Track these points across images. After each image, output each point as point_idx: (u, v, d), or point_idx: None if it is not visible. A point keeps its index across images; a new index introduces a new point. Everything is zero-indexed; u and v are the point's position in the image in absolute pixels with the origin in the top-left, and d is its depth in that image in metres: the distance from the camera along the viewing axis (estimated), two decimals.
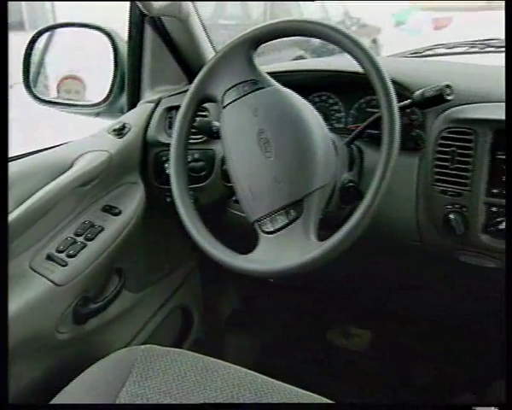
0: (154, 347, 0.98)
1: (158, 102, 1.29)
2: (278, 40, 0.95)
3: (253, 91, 0.92)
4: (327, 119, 1.15)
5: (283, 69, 1.20)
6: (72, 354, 1.10)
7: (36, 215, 1.01)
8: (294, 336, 1.71)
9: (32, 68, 1.34)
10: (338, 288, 1.55)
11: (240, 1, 6.00)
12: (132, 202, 1.20)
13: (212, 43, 1.31)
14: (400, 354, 1.63)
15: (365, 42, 0.94)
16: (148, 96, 1.31)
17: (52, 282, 1.01)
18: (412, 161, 1.04)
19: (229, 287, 1.66)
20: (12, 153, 0.97)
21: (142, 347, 0.98)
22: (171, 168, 0.99)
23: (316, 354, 1.67)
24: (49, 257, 1.04)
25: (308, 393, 0.90)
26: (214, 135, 1.07)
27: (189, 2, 1.22)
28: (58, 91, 1.41)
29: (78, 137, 1.22)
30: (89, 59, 1.44)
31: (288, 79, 1.02)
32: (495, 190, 0.96)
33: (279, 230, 0.89)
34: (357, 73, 0.94)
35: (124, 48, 1.29)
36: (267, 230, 0.89)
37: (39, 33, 1.33)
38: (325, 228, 0.88)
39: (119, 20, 1.28)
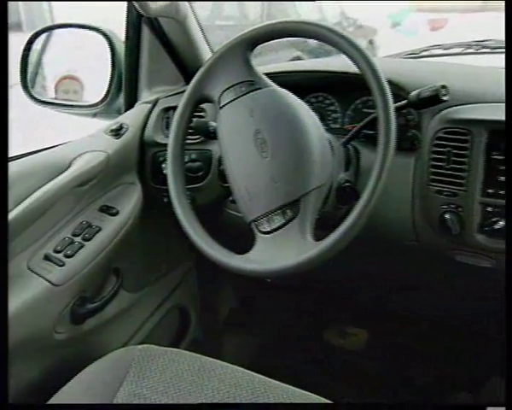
0: (151, 347, 0.98)
1: (155, 103, 1.29)
2: (275, 41, 0.95)
3: (249, 92, 0.93)
4: (323, 119, 1.16)
5: (280, 70, 1.20)
6: (69, 353, 1.10)
7: (34, 215, 1.01)
8: (292, 336, 1.72)
9: (30, 69, 1.34)
10: (335, 288, 1.55)
11: (237, 1, 5.99)
12: (130, 202, 1.20)
13: (209, 43, 1.32)
14: (399, 353, 1.63)
15: (362, 43, 0.95)
16: (146, 96, 1.31)
17: (49, 282, 1.02)
18: (408, 162, 1.05)
19: (227, 287, 1.67)
20: (12, 153, 0.98)
21: (140, 347, 0.98)
22: (169, 168, 0.99)
23: (313, 353, 1.67)
24: (47, 257, 1.05)
25: (306, 393, 0.90)
26: (211, 135, 1.08)
27: (186, 3, 1.22)
28: (56, 91, 1.41)
29: (78, 138, 1.23)
30: (88, 59, 1.44)
31: (284, 79, 1.03)
32: (490, 190, 0.97)
33: (276, 230, 0.89)
34: (353, 74, 0.94)
35: (121, 48, 1.29)
36: (264, 230, 0.90)
37: (36, 34, 1.33)
38: (322, 228, 0.89)
39: (118, 20, 1.28)
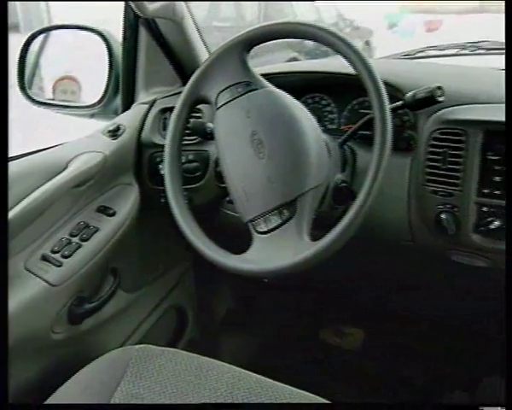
0: (148, 346, 0.98)
1: (152, 104, 1.29)
2: (272, 42, 0.96)
3: (246, 93, 0.93)
4: (320, 120, 1.16)
5: (277, 71, 1.20)
6: (67, 353, 1.10)
7: (31, 216, 1.02)
8: (289, 336, 1.72)
9: (27, 70, 1.34)
10: (333, 288, 1.55)
11: (233, 1, 6.00)
12: (127, 202, 1.20)
13: (206, 44, 1.32)
14: (399, 353, 1.63)
15: (358, 44, 0.96)
16: (143, 97, 1.32)
17: (47, 282, 1.02)
18: (404, 162, 1.05)
19: (224, 287, 1.67)
20: (12, 153, 0.98)
21: (137, 346, 0.98)
22: (166, 169, 0.99)
23: (311, 353, 1.67)
24: (44, 258, 1.05)
25: (303, 392, 0.90)
26: (208, 136, 1.08)
27: (183, 4, 1.22)
28: (54, 92, 1.41)
29: (77, 138, 1.23)
30: (88, 59, 1.45)
31: (281, 80, 1.03)
32: (486, 190, 0.97)
33: (273, 230, 0.89)
34: (349, 75, 0.95)
35: (118, 49, 1.29)
36: (261, 230, 0.90)
37: (34, 35, 1.33)
38: (318, 228, 0.89)
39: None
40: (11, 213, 0.97)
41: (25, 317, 0.98)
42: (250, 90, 0.94)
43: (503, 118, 0.96)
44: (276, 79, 1.01)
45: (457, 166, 0.98)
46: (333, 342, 1.70)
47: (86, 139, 1.22)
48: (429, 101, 0.94)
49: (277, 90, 0.95)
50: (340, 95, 1.18)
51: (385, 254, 1.20)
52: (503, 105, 1.00)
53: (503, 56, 1.31)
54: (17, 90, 1.33)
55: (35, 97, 1.36)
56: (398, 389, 1.54)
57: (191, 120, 1.05)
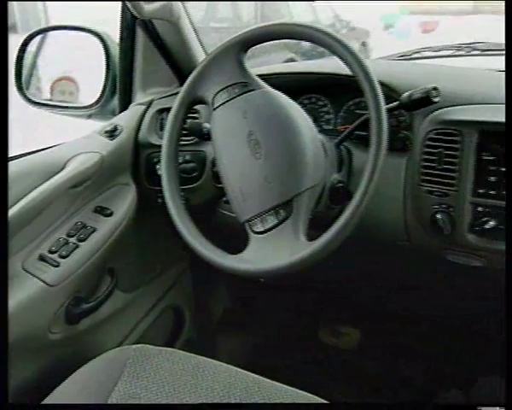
0: (145, 346, 0.98)
1: (149, 104, 1.29)
2: (269, 43, 0.96)
3: (242, 93, 0.94)
4: (316, 120, 1.16)
5: (273, 71, 1.21)
6: (64, 353, 1.11)
7: (28, 216, 1.02)
8: (286, 336, 1.72)
9: (25, 71, 1.34)
10: (330, 287, 1.56)
11: (230, 1, 6.00)
12: (124, 203, 1.20)
13: (203, 45, 1.32)
14: (398, 353, 1.63)
15: (355, 45, 0.96)
16: (140, 98, 1.32)
17: (44, 282, 1.02)
18: (400, 162, 1.06)
19: (221, 287, 1.67)
20: (12, 153, 0.98)
21: (134, 346, 0.98)
22: (163, 169, 0.99)
23: (308, 353, 1.67)
24: (42, 258, 1.05)
25: (301, 392, 0.90)
26: (205, 136, 1.08)
27: (180, 5, 1.22)
28: (52, 93, 1.42)
29: (75, 138, 1.23)
30: (85, 60, 1.45)
31: (277, 81, 1.04)
32: (481, 191, 0.98)
33: (269, 230, 0.89)
34: (346, 76, 0.95)
35: (116, 50, 1.30)
36: (257, 230, 0.90)
37: (31, 36, 1.33)
38: (315, 228, 0.89)
39: (113, 21, 1.28)
40: (9, 213, 0.97)
41: (22, 317, 0.98)
42: (247, 91, 0.94)
43: (498, 118, 0.97)
44: (272, 79, 1.02)
45: (453, 167, 0.98)
46: (329, 341, 1.71)
47: (83, 140, 1.22)
48: (425, 101, 0.95)
49: (274, 90, 0.95)
50: (336, 95, 1.18)
51: (381, 254, 1.20)
52: (498, 106, 1.01)
53: (498, 57, 1.33)
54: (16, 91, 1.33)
55: (32, 98, 1.36)
56: (398, 389, 1.54)
57: (188, 120, 1.06)
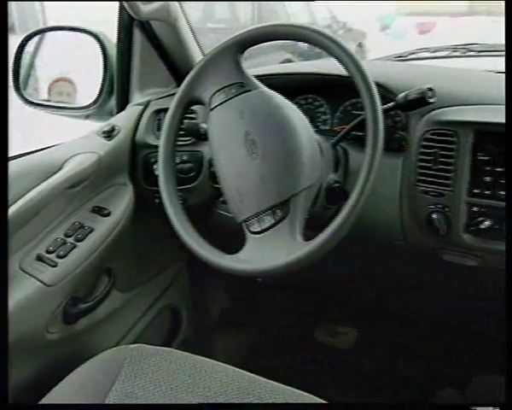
0: (143, 346, 0.98)
1: (147, 105, 1.29)
2: (266, 43, 0.96)
3: (239, 94, 0.94)
4: (313, 121, 1.16)
5: (270, 72, 1.21)
6: (61, 353, 1.11)
7: (26, 216, 1.02)
8: (283, 335, 1.72)
9: (22, 71, 1.34)
10: (327, 287, 1.56)
11: (227, 1, 6.00)
12: (121, 203, 1.20)
13: (200, 46, 1.32)
14: (397, 353, 1.63)
15: (351, 46, 0.97)
16: (137, 98, 1.32)
17: (42, 282, 1.02)
18: (396, 162, 1.06)
19: (218, 286, 1.67)
20: (12, 153, 0.98)
21: (132, 346, 0.98)
22: (160, 170, 1.00)
23: (305, 352, 1.67)
24: (39, 258, 1.05)
25: (298, 391, 0.90)
26: (202, 137, 1.09)
27: (178, 6, 1.22)
28: (49, 93, 1.42)
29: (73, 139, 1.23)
30: (83, 60, 1.45)
31: (274, 81, 1.04)
32: (476, 191, 0.98)
33: (266, 230, 0.90)
34: (342, 77, 0.96)
35: (113, 51, 1.30)
36: (254, 230, 0.91)
37: (29, 37, 1.33)
38: (311, 228, 0.90)
39: (111, 21, 1.29)
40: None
41: (20, 317, 0.98)
42: (244, 92, 0.94)
43: (493, 119, 0.97)
44: (269, 80, 1.02)
45: (448, 167, 0.99)
46: (326, 341, 1.71)
47: (81, 140, 1.23)
48: (421, 102, 0.95)
49: (270, 91, 0.96)
50: (332, 96, 1.18)
51: (378, 253, 1.20)
52: (494, 106, 1.02)
53: (494, 59, 1.33)
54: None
55: (30, 98, 1.36)
56: (398, 389, 1.54)
57: (185, 120, 1.06)
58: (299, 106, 1.05)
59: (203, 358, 0.97)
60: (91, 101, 1.33)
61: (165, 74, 1.33)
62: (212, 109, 0.96)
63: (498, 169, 0.97)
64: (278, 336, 1.73)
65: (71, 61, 1.55)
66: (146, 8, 1.14)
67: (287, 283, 1.54)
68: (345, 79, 0.91)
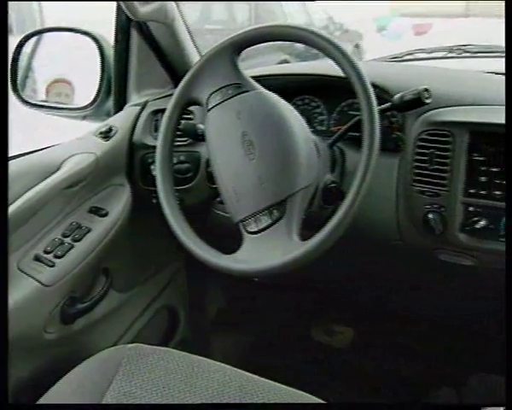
0: (140, 345, 0.98)
1: (144, 106, 1.30)
2: (263, 44, 0.97)
3: (236, 95, 0.94)
4: (310, 121, 1.17)
5: (267, 73, 1.22)
6: (59, 353, 1.11)
7: (24, 216, 1.02)
8: (281, 335, 1.72)
9: (20, 72, 1.34)
10: (324, 287, 1.56)
11: (225, 1, 6.00)
12: (119, 203, 1.21)
13: (197, 47, 1.32)
14: (396, 353, 1.63)
15: (348, 47, 0.97)
16: (135, 99, 1.32)
17: (40, 282, 1.02)
18: (392, 162, 1.07)
19: (215, 286, 1.67)
20: (12, 153, 0.98)
21: (129, 346, 0.98)
22: (157, 170, 1.00)
23: (302, 351, 1.68)
24: (37, 258, 1.05)
25: (295, 391, 0.90)
26: (199, 137, 1.09)
27: (175, 8, 1.23)
28: (47, 95, 1.42)
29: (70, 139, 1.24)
30: (82, 61, 1.45)
31: (271, 82, 1.04)
32: (472, 191, 0.99)
33: (263, 230, 0.90)
34: (339, 77, 0.96)
35: (110, 52, 1.30)
36: (251, 230, 0.91)
37: (26, 38, 1.33)
38: (308, 228, 0.90)
39: (108, 22, 1.29)
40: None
41: (18, 317, 0.98)
42: (241, 92, 0.95)
43: (488, 119, 0.98)
44: (266, 81, 1.03)
45: (444, 167, 0.99)
46: (323, 340, 1.71)
47: (78, 141, 1.23)
48: (417, 102, 0.96)
49: (267, 91, 0.96)
50: (329, 97, 1.19)
51: (376, 253, 1.21)
52: (489, 107, 1.02)
53: (489, 59, 1.34)
54: None
55: (28, 99, 1.36)
56: (398, 389, 1.54)
57: (182, 121, 1.06)
58: (296, 107, 1.05)
59: (200, 357, 0.97)
60: (89, 101, 1.33)
61: (162, 75, 1.33)
62: (209, 110, 0.96)
63: (494, 169, 0.97)
64: (275, 335, 1.73)
65: (69, 62, 1.55)
66: (143, 9, 1.14)
67: (284, 282, 1.54)
68: (341, 80, 0.92)
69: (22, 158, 1.10)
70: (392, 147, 1.08)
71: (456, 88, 1.11)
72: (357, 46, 6.95)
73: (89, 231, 1.12)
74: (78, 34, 1.32)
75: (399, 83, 1.08)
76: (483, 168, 0.98)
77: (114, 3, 1.23)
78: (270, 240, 0.89)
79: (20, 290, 1.00)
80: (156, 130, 1.26)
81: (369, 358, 1.64)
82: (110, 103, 1.34)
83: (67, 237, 1.10)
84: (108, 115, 1.34)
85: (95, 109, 1.33)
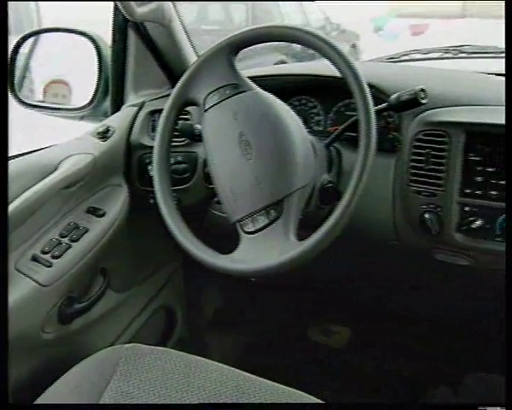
0: (138, 345, 0.98)
1: (141, 106, 1.30)
2: (260, 45, 0.97)
3: (233, 95, 0.95)
4: (306, 122, 1.17)
5: (264, 73, 1.22)
6: (57, 353, 1.11)
7: (22, 217, 1.02)
8: (278, 335, 1.72)
9: (17, 73, 1.34)
10: (321, 287, 1.56)
11: (221, 1, 6.00)
12: (116, 203, 1.21)
13: (194, 47, 1.32)
14: (398, 353, 1.63)
15: (345, 47, 0.97)
16: (132, 99, 1.32)
17: (37, 282, 1.02)
18: (389, 162, 1.07)
19: (213, 286, 1.67)
20: (12, 153, 0.98)
21: (126, 346, 0.98)
22: (155, 170, 1.00)
23: (299, 351, 1.68)
24: (34, 258, 1.05)
25: (293, 390, 0.90)
26: (196, 138, 1.09)
27: (172, 8, 1.23)
28: (45, 95, 1.42)
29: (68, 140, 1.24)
30: (80, 61, 1.45)
31: (268, 83, 1.05)
32: (468, 191, 0.99)
33: (260, 230, 0.90)
34: (335, 78, 0.96)
35: (108, 52, 1.30)
36: (248, 230, 0.91)
37: (24, 38, 1.33)
38: (305, 228, 0.90)
39: (106, 22, 1.29)
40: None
41: (15, 317, 0.98)
42: (238, 93, 0.95)
43: (484, 119, 0.99)
44: (263, 81, 1.03)
45: (440, 167, 1.00)
46: (320, 340, 1.71)
47: (76, 141, 1.23)
48: (413, 103, 0.96)
49: (264, 92, 0.96)
50: (326, 97, 1.19)
51: (372, 253, 1.21)
52: (485, 107, 1.03)
53: (485, 60, 1.35)
54: None
55: (25, 100, 1.36)
56: (398, 389, 1.55)
57: (180, 121, 1.07)
58: (293, 107, 1.06)
59: (198, 357, 0.97)
60: (86, 102, 1.33)
61: (159, 75, 1.33)
62: (206, 110, 0.96)
63: (489, 169, 0.98)
64: (273, 335, 1.73)
65: (66, 62, 1.55)
66: (140, 10, 1.14)
67: (281, 282, 1.55)
68: (338, 81, 0.92)
69: (20, 158, 1.11)
70: (388, 147, 1.08)
71: (453, 88, 1.12)
72: (354, 46, 6.96)
73: (86, 231, 1.12)
74: (76, 35, 1.32)
75: (396, 83, 1.08)
76: (479, 168, 0.99)
77: (111, 4, 1.23)
78: (267, 240, 0.90)
79: (17, 290, 1.00)
80: (153, 130, 1.26)
81: (369, 358, 1.64)
82: (107, 104, 1.34)
83: (65, 237, 1.10)
84: (106, 116, 1.34)
85: (92, 110, 1.33)
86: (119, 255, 1.26)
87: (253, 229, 0.91)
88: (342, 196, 0.86)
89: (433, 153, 1.00)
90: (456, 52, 1.38)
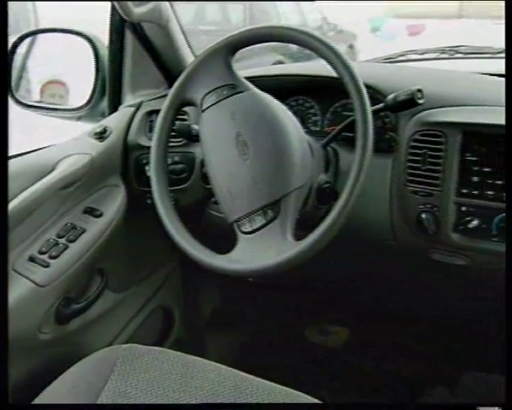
0: (135, 346, 0.98)
1: (138, 106, 1.30)
2: (257, 45, 0.97)
3: (231, 95, 0.95)
4: (303, 122, 1.17)
5: (261, 74, 1.22)
6: (54, 353, 1.11)
7: (19, 217, 1.02)
8: (275, 335, 1.72)
9: (14, 73, 1.34)
10: (319, 287, 1.56)
11: (218, 1, 6.00)
12: (113, 204, 1.21)
13: (191, 48, 1.32)
14: (397, 353, 1.63)
15: (342, 47, 0.98)
16: (129, 100, 1.32)
17: (34, 283, 1.02)
18: (386, 163, 1.07)
19: (210, 286, 1.67)
20: (12, 153, 0.98)
21: (124, 346, 0.98)
22: (152, 171, 1.00)
23: (297, 351, 1.68)
24: (32, 258, 1.05)
25: (290, 390, 0.90)
26: (194, 138, 1.09)
27: (170, 8, 1.23)
28: (42, 96, 1.42)
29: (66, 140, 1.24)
30: (77, 62, 1.45)
31: (265, 83, 1.05)
32: (464, 190, 1.00)
33: (257, 230, 0.90)
34: (332, 78, 0.96)
35: (105, 53, 1.30)
36: (245, 230, 0.91)
37: (21, 38, 1.33)
38: (302, 228, 0.91)
39: (104, 22, 1.29)
40: None
41: (12, 317, 0.97)
42: (235, 93, 0.95)
43: (481, 120, 0.99)
44: (260, 81, 1.03)
45: (437, 167, 1.00)
46: (317, 340, 1.71)
47: (73, 141, 1.23)
48: (410, 103, 0.97)
49: (261, 92, 0.97)
50: (323, 97, 1.19)
51: (370, 253, 1.21)
52: (481, 107, 1.03)
53: (481, 60, 1.35)
54: None
55: (22, 100, 1.36)
56: (398, 389, 1.55)
57: (177, 122, 1.07)
58: (290, 107, 1.06)
59: (195, 357, 0.97)
60: (83, 102, 1.33)
61: (156, 76, 1.33)
62: (203, 111, 0.97)
63: (486, 169, 0.98)
64: (271, 335, 1.73)
65: (63, 62, 1.55)
66: (137, 10, 1.14)
67: (279, 282, 1.55)
68: (335, 81, 0.92)
69: (18, 158, 1.10)
70: (385, 147, 1.09)
71: (449, 89, 1.12)
72: (351, 46, 6.96)
73: (83, 231, 1.12)
74: (73, 35, 1.32)
75: (393, 83, 1.09)
76: (475, 168, 0.99)
77: (109, 4, 1.23)
78: (264, 240, 0.90)
79: (14, 291, 1.00)
80: (151, 130, 1.26)
81: (369, 358, 1.64)
82: (105, 104, 1.34)
83: (62, 237, 1.10)
84: (103, 116, 1.34)
85: (89, 110, 1.33)
86: (116, 256, 1.26)
87: (250, 229, 0.91)
88: (339, 196, 0.86)
89: (430, 153, 1.00)
90: (453, 52, 1.39)
